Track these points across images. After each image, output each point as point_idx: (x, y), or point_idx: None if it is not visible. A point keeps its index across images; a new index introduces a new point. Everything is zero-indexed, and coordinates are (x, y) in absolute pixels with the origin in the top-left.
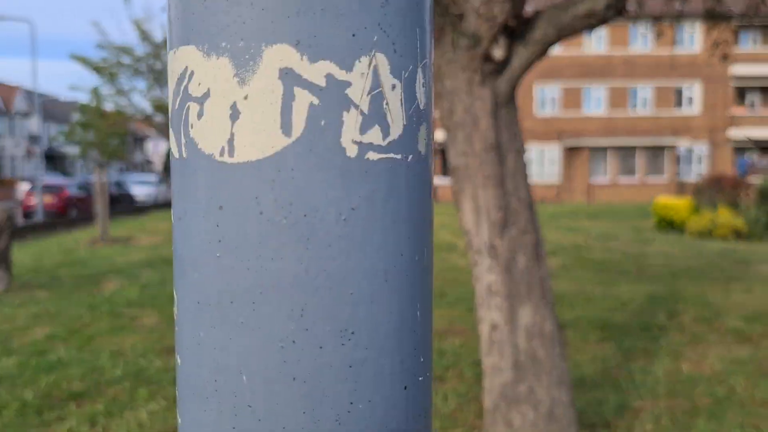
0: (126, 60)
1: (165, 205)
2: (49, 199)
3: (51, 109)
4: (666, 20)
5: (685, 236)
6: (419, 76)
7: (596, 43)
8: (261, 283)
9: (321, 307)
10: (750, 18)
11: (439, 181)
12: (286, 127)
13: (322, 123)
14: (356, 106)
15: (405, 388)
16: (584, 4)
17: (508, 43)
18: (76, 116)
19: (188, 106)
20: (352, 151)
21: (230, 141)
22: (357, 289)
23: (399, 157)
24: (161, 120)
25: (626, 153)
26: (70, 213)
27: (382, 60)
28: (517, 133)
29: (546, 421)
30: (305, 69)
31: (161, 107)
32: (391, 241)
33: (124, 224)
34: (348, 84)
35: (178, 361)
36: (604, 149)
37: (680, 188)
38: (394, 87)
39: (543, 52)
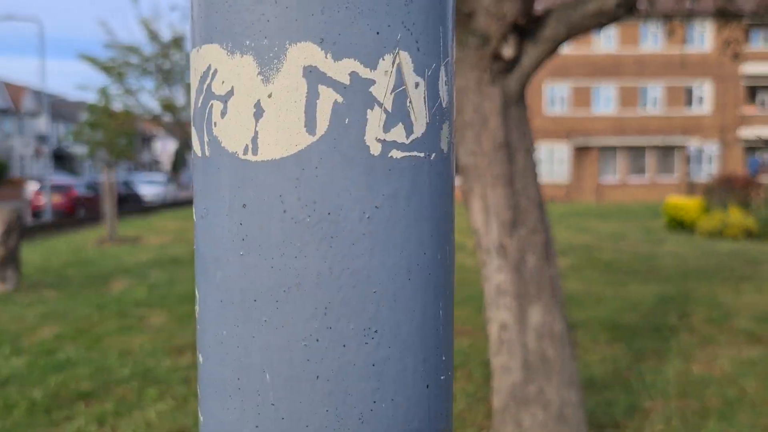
0: (134, 59)
1: (173, 204)
2: (57, 198)
3: (59, 108)
4: (677, 19)
5: (695, 236)
6: (442, 74)
7: (606, 41)
8: (285, 281)
9: (344, 305)
10: (761, 17)
11: None
12: (310, 126)
13: (346, 121)
14: (380, 104)
15: (427, 386)
16: (595, 2)
17: (517, 42)
18: (84, 116)
19: (211, 105)
20: (375, 150)
21: (254, 139)
22: (380, 287)
23: (422, 155)
24: (169, 119)
25: (636, 152)
26: (78, 213)
27: (405, 58)
28: (526, 132)
29: (556, 421)
30: (329, 67)
31: (169, 107)
32: (414, 240)
33: (132, 224)
34: (372, 82)
35: (200, 359)
36: (613, 149)
37: (691, 188)
38: (417, 85)
39: (553, 50)
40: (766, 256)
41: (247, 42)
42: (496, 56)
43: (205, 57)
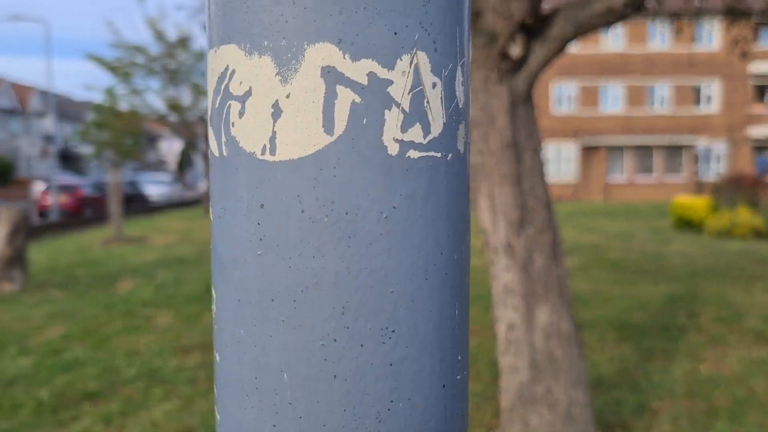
0: (140, 59)
1: (179, 204)
2: (63, 198)
3: (66, 108)
4: (685, 17)
5: (703, 236)
6: (459, 74)
7: (614, 40)
8: (302, 281)
9: (362, 305)
10: None
11: None
12: (328, 126)
13: (364, 121)
14: (398, 105)
15: (443, 386)
16: (603, 1)
17: (525, 41)
18: (90, 116)
19: (229, 105)
20: (393, 150)
21: (272, 139)
22: (398, 287)
23: (439, 155)
24: (175, 119)
25: (644, 152)
26: (84, 212)
27: (423, 58)
28: (534, 131)
29: (563, 421)
30: (347, 67)
31: (175, 107)
32: (431, 240)
33: (138, 224)
34: (390, 82)
35: (218, 358)
36: (621, 148)
37: (699, 187)
38: (434, 85)
39: (560, 49)
40: None
41: (266, 42)
42: (504, 55)
43: (222, 57)
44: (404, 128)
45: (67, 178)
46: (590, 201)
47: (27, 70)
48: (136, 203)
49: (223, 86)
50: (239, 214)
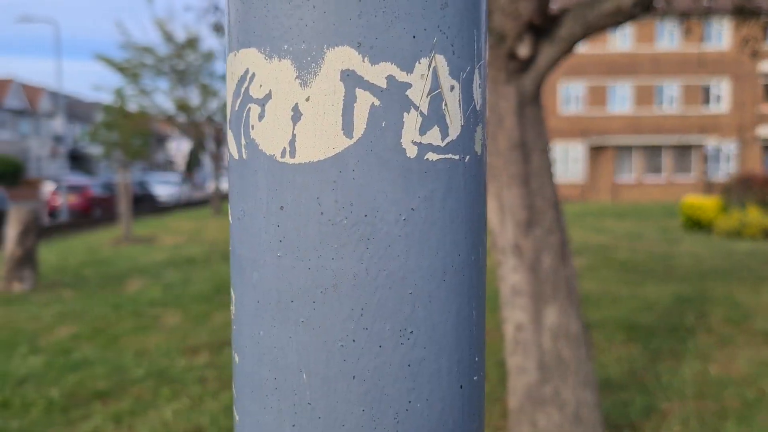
0: (149, 60)
1: (187, 204)
2: (73, 198)
3: (75, 109)
4: (694, 17)
5: (712, 236)
6: (476, 76)
7: (622, 40)
8: (321, 282)
9: (380, 306)
10: None
11: None
12: (347, 128)
13: (383, 124)
14: (416, 107)
15: (461, 387)
16: (611, 1)
17: (533, 41)
18: (100, 116)
19: (249, 108)
20: (412, 152)
21: (291, 142)
22: (416, 288)
23: (457, 157)
24: (184, 120)
25: (652, 152)
26: (94, 213)
27: (441, 61)
28: (542, 131)
29: (571, 422)
30: (366, 70)
31: (184, 107)
32: (449, 241)
33: (147, 224)
34: (408, 85)
35: (236, 359)
36: (629, 148)
37: (708, 187)
38: (452, 88)
39: (569, 49)
40: None
41: (285, 46)
42: (512, 55)
43: (242, 61)
44: (423, 131)
45: (77, 179)
46: (598, 201)
47: (37, 71)
48: (145, 203)
49: (242, 89)
50: (259, 216)
